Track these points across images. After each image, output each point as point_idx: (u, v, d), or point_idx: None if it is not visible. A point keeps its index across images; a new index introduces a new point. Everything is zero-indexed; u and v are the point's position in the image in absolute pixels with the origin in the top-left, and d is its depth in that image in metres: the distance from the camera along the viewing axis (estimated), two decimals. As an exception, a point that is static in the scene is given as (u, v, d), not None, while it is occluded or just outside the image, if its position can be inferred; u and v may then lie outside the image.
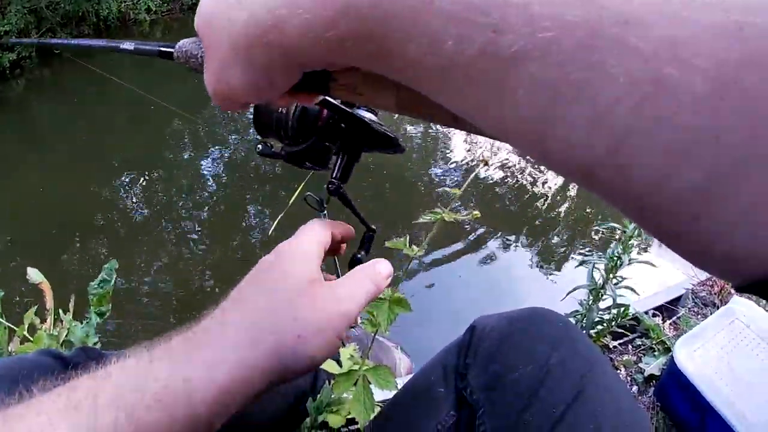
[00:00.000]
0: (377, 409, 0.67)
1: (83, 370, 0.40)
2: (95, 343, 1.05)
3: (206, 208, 3.35)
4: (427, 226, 0.51)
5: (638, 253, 0.93)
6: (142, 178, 3.72)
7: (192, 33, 0.35)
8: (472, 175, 0.52)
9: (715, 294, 1.47)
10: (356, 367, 0.65)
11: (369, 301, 0.42)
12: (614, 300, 0.92)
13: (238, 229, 3.08)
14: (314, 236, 0.44)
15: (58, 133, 4.64)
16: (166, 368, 0.35)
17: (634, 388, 1.17)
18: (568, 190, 3.09)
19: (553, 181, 3.18)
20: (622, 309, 0.99)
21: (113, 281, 1.00)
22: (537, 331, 0.58)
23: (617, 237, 0.87)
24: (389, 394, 0.78)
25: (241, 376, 0.35)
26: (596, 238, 2.67)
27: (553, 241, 2.74)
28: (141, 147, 4.23)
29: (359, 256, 0.52)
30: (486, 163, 0.63)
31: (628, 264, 0.90)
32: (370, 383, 0.64)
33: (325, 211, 1.34)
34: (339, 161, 0.49)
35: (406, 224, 2.81)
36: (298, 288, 0.39)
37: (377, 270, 0.44)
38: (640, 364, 1.18)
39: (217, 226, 3.15)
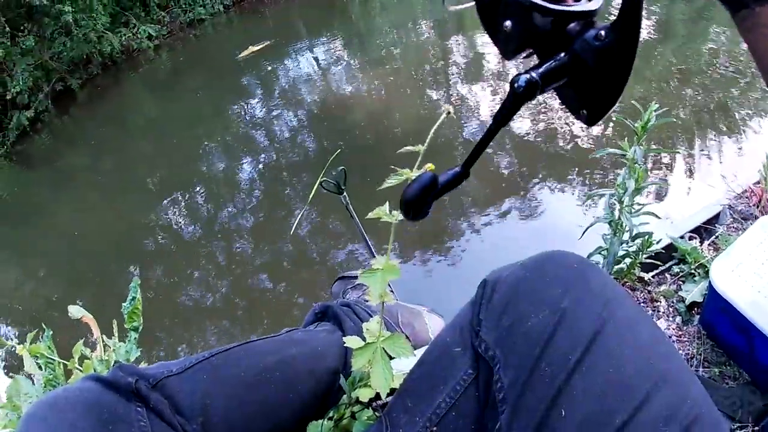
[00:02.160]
0: (401, 378, 0.67)
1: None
2: (137, 357, 1.14)
3: (247, 213, 3.43)
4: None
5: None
6: (180, 197, 3.85)
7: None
8: (434, 127, 0.50)
9: (753, 206, 1.39)
10: (373, 339, 0.66)
11: None
12: (631, 230, 0.88)
13: (280, 229, 3.15)
14: None
15: (89, 173, 4.83)
16: None
17: (677, 319, 1.12)
18: (570, 134, 3.02)
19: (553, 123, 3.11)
20: (646, 237, 0.95)
21: (138, 296, 1.09)
22: (547, 276, 0.55)
23: (624, 162, 0.82)
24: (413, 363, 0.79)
25: None
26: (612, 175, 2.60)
27: (565, 184, 2.68)
28: (172, 168, 4.35)
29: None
30: (449, 113, 0.61)
31: (636, 191, 0.85)
32: (388, 354, 0.64)
33: (345, 194, 1.34)
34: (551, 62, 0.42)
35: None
36: None
37: None
38: (680, 293, 1.13)
39: (259, 229, 3.23)
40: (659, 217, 0.92)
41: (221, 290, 2.86)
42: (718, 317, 1.04)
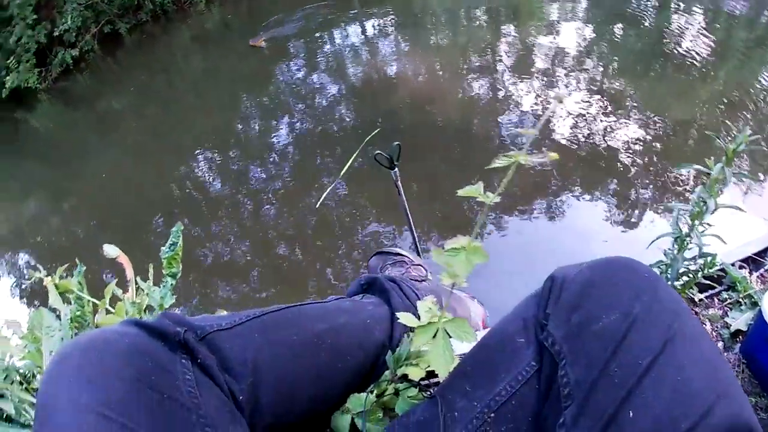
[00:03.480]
0: (456, 362, 0.67)
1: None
2: (171, 305, 1.12)
3: (278, 179, 3.45)
4: (502, 173, 0.49)
5: (723, 199, 0.86)
6: (215, 154, 3.88)
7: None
8: (548, 113, 0.49)
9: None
10: (435, 319, 0.66)
11: None
12: (700, 249, 0.87)
13: (309, 195, 3.15)
14: None
15: (126, 119, 4.88)
16: None
17: (720, 344, 1.11)
18: (646, 140, 2.95)
19: (628, 130, 3.05)
20: (709, 259, 0.93)
21: (180, 242, 1.06)
22: (620, 280, 0.56)
23: (703, 181, 0.81)
24: (467, 348, 0.79)
25: None
26: (677, 187, 2.54)
27: (631, 191, 2.64)
28: (210, 124, 4.38)
29: None
30: (561, 101, 0.60)
31: (714, 210, 0.83)
32: (449, 335, 0.64)
33: (396, 169, 1.34)
34: None
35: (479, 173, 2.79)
36: None
37: None
38: (726, 319, 1.11)
39: (288, 195, 3.24)
40: (725, 242, 0.90)
41: (243, 250, 2.89)
42: (762, 348, 1.03)
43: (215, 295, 2.58)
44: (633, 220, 2.42)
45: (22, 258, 3.46)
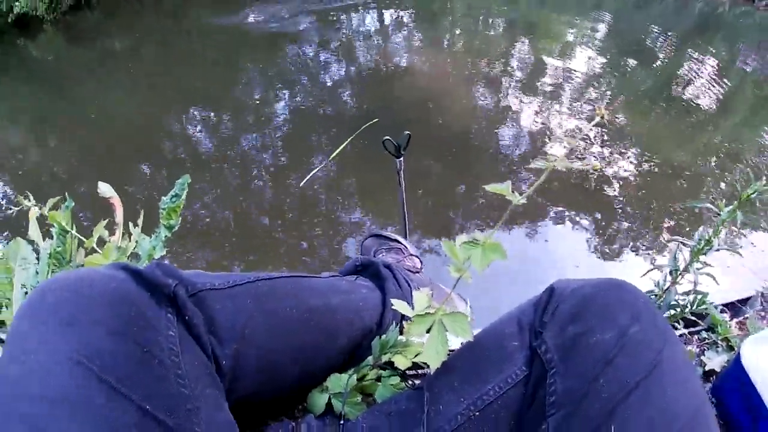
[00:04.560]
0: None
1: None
2: (162, 257, 1.06)
3: (269, 150, 3.41)
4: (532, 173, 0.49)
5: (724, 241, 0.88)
6: (210, 114, 3.82)
7: None
8: (592, 123, 0.49)
9: (785, 301, 1.40)
10: (432, 311, 0.65)
11: None
12: (695, 285, 0.89)
13: (297, 171, 3.13)
14: None
15: (127, 61, 4.78)
16: None
17: (692, 381, 1.14)
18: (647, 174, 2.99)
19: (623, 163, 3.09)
20: (699, 297, 0.95)
21: (184, 196, 1.01)
22: (619, 301, 0.58)
23: (713, 218, 0.82)
24: (456, 344, 0.79)
25: None
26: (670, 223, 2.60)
27: (628, 222, 2.68)
28: (209, 84, 4.31)
29: None
30: (603, 117, 0.60)
31: (716, 250, 0.85)
32: (445, 329, 0.64)
33: (402, 158, 1.33)
34: None
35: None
36: None
37: None
38: (702, 357, 1.14)
39: (277, 167, 3.22)
40: (718, 283, 0.92)
41: (224, 215, 2.86)
42: (733, 391, 1.05)
43: (190, 257, 2.56)
44: (617, 251, 2.46)
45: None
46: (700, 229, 0.86)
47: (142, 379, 0.46)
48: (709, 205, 0.81)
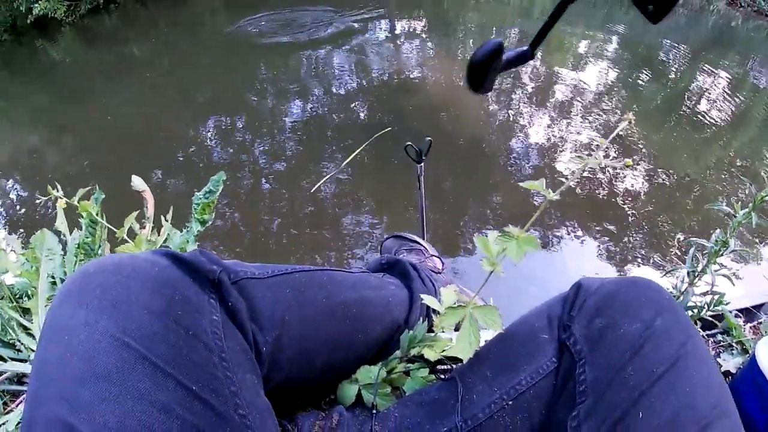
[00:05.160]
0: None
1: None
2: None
3: (282, 157, 3.45)
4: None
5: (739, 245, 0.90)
6: (224, 120, 3.87)
7: None
8: (623, 125, 0.52)
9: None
10: (463, 304, 0.68)
11: None
12: (712, 286, 0.91)
13: (309, 179, 3.17)
14: None
15: (143, 68, 4.85)
16: None
17: (708, 381, 1.16)
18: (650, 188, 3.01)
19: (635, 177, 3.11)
20: (717, 297, 0.98)
21: (219, 192, 1.03)
22: (644, 296, 0.61)
23: (729, 221, 0.85)
24: (487, 336, 0.81)
25: None
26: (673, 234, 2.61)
27: (642, 232, 2.71)
28: (223, 90, 4.36)
29: None
30: (630, 122, 0.62)
31: (732, 251, 0.88)
32: (477, 321, 0.67)
33: (423, 164, 1.36)
34: None
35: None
36: None
37: None
38: (718, 359, 1.16)
39: (289, 175, 3.25)
40: (734, 284, 0.94)
41: (234, 220, 2.89)
42: (747, 392, 1.07)
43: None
44: (632, 259, 2.48)
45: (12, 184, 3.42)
46: (717, 231, 0.89)
47: (188, 361, 0.47)
48: (726, 208, 0.83)
